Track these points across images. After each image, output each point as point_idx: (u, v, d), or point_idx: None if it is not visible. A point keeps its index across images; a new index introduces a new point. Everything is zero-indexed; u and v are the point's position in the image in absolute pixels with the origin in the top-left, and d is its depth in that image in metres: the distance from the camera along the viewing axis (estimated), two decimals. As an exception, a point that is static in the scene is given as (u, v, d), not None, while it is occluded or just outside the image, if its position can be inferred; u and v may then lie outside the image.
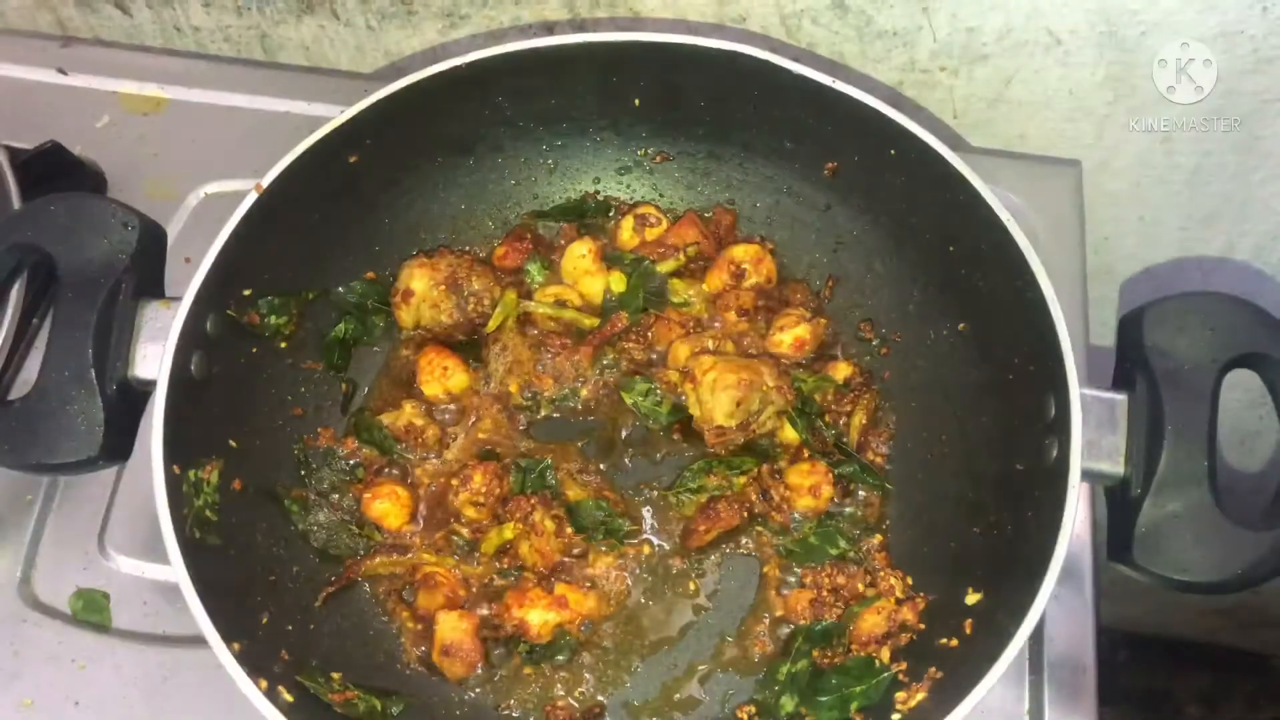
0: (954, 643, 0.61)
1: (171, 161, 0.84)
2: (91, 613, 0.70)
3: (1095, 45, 0.79)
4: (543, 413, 0.74)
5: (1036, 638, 0.69)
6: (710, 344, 0.72)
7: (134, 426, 0.63)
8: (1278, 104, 0.80)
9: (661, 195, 0.79)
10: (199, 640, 0.64)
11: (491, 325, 0.73)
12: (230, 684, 0.55)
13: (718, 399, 0.67)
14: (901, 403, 0.73)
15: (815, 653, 0.65)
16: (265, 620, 0.62)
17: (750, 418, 0.68)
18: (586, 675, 0.67)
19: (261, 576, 0.65)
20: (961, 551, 0.66)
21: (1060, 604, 0.70)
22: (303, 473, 0.71)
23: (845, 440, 0.71)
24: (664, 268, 0.75)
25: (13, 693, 0.67)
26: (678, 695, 0.66)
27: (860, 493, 0.70)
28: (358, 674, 0.63)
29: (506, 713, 0.66)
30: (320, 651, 0.63)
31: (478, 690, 0.66)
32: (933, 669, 0.60)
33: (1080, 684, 0.68)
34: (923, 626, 0.64)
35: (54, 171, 0.80)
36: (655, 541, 0.70)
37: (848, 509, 0.70)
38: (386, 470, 0.71)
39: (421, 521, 0.70)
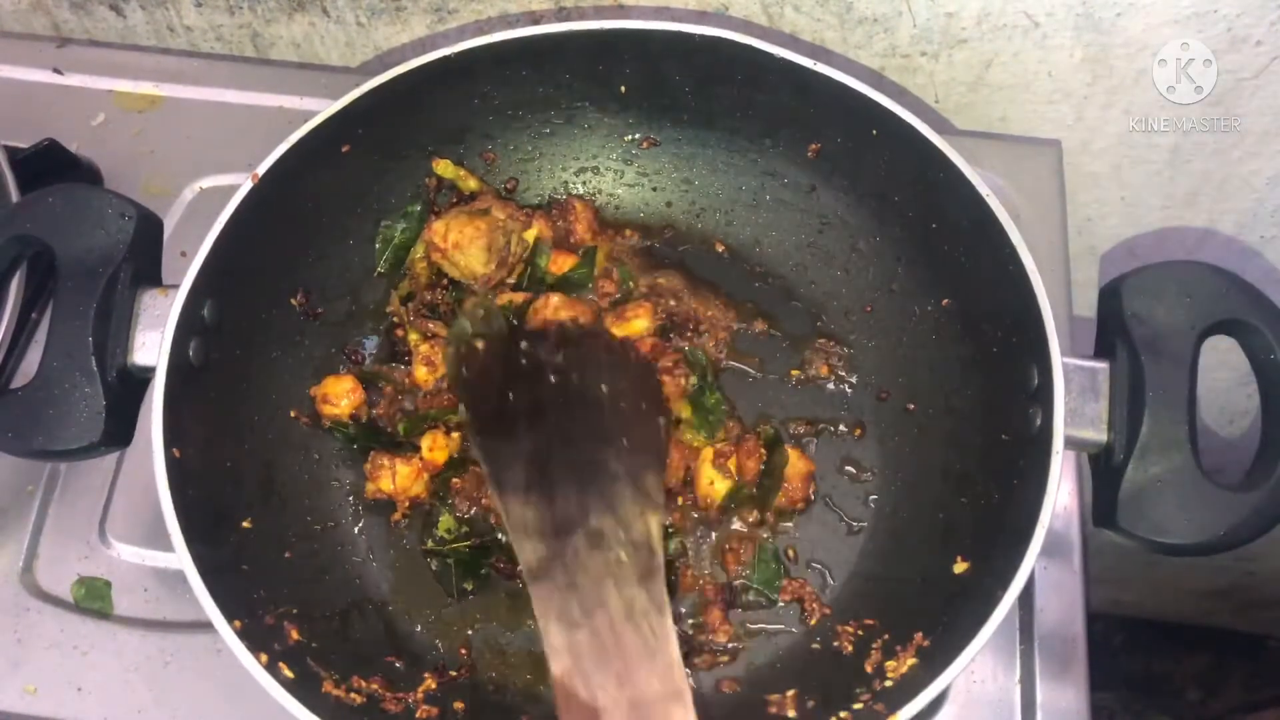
0: (943, 610, 0.62)
1: (167, 157, 0.86)
2: (93, 600, 0.71)
3: (1072, 27, 0.80)
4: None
5: (1027, 610, 0.70)
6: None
7: (134, 412, 0.64)
8: (1253, 82, 0.82)
9: (648, 179, 0.80)
10: (199, 625, 0.66)
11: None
12: (230, 667, 0.56)
13: (469, 255, 0.72)
14: (888, 378, 0.74)
15: None
16: (264, 597, 0.63)
17: (505, 254, 0.73)
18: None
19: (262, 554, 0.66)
20: (950, 522, 0.67)
21: (1049, 576, 0.71)
22: (302, 456, 0.72)
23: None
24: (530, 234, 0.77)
25: (17, 680, 0.68)
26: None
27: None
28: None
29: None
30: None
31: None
32: (919, 635, 0.61)
33: (1071, 654, 0.69)
34: (829, 610, 0.67)
35: (52, 169, 0.81)
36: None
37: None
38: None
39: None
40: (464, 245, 0.73)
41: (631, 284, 0.77)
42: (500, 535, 0.69)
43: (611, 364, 0.67)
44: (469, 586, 0.69)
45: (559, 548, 0.56)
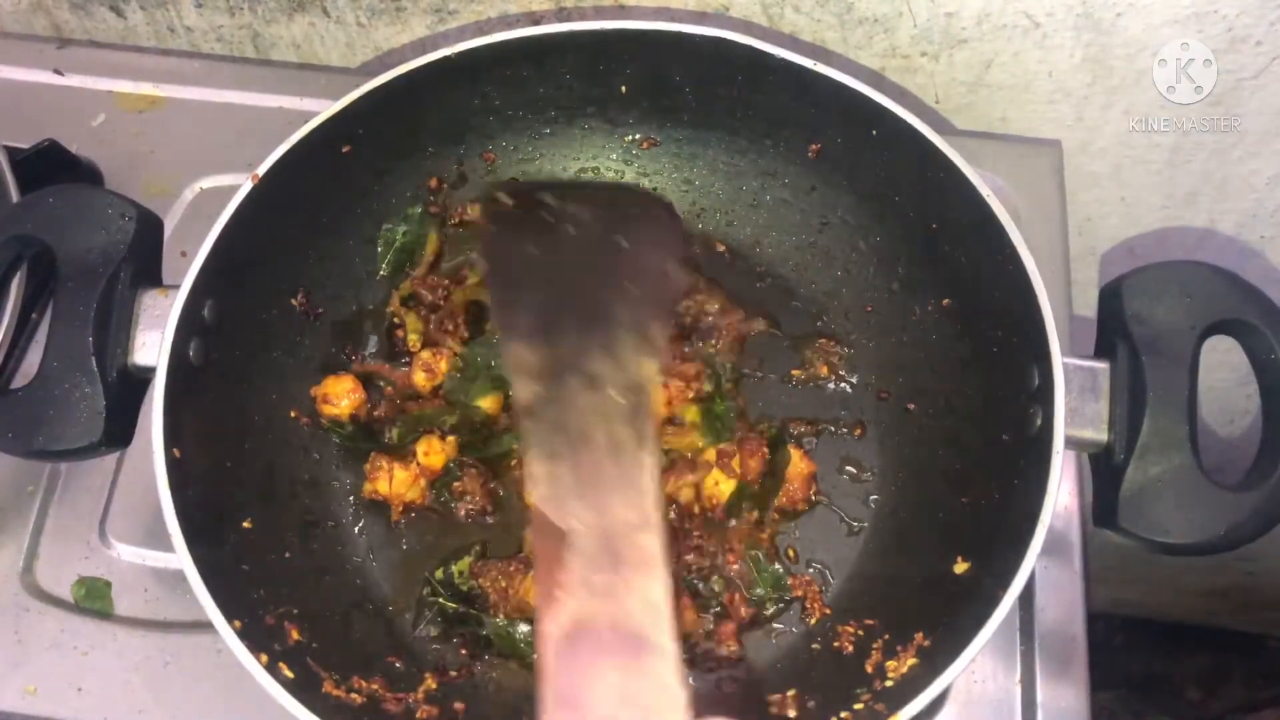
0: (943, 611, 0.62)
1: (167, 158, 0.86)
2: (93, 600, 0.71)
3: (1072, 28, 0.80)
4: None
5: (1027, 609, 0.70)
6: None
7: (134, 413, 0.64)
8: (1253, 82, 0.82)
9: (649, 179, 0.80)
10: (199, 625, 0.66)
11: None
12: (230, 667, 0.56)
13: None
14: (888, 378, 0.74)
15: None
16: (264, 598, 0.63)
17: None
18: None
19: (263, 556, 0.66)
20: (950, 522, 0.67)
21: (1050, 576, 0.71)
22: (302, 456, 0.71)
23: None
24: None
25: (17, 680, 0.68)
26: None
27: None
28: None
29: None
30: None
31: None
32: (920, 635, 0.61)
33: (1071, 654, 0.69)
34: (829, 611, 0.67)
35: (52, 169, 0.81)
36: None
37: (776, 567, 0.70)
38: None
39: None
40: None
41: None
42: (484, 632, 0.67)
43: (634, 216, 0.67)
44: (432, 633, 0.68)
45: (554, 389, 0.56)
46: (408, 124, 0.73)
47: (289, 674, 0.57)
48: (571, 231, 0.64)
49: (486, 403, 0.73)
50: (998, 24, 0.81)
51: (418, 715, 0.62)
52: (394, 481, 0.69)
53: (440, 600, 0.68)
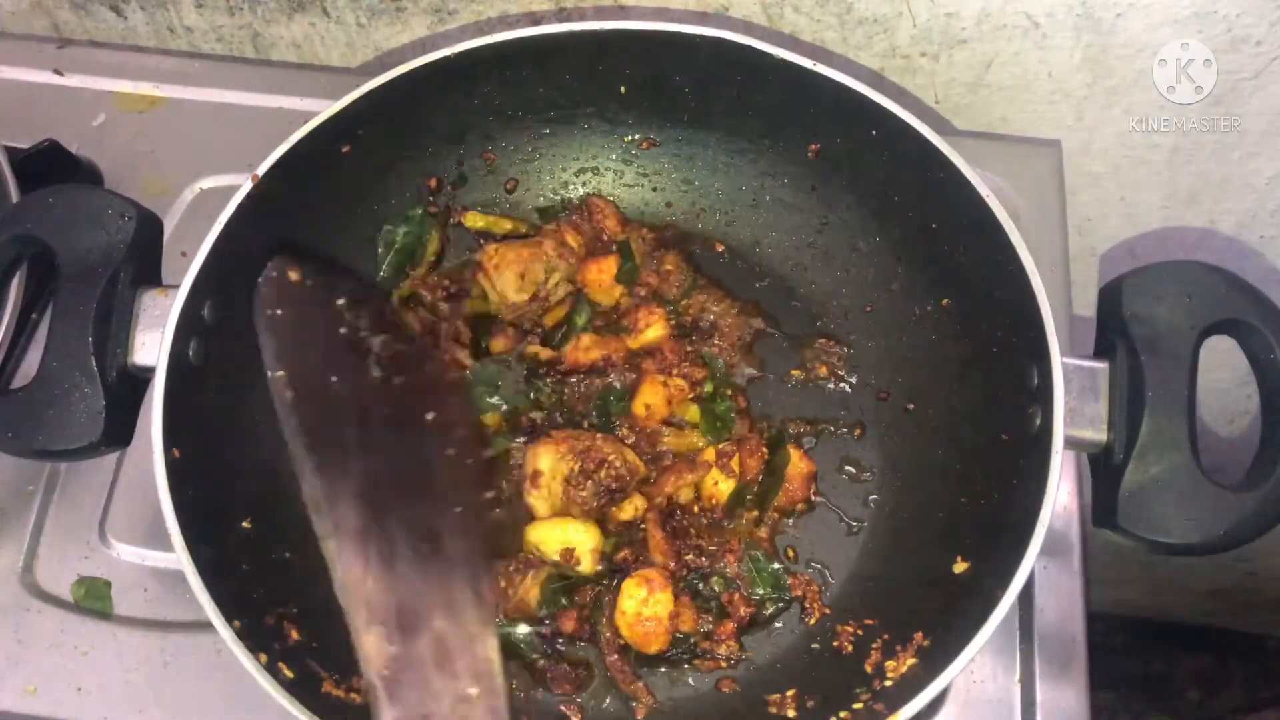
0: (943, 611, 0.62)
1: (167, 158, 0.86)
2: (93, 600, 0.71)
3: (1072, 28, 0.80)
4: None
5: (1026, 609, 0.70)
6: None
7: (134, 412, 0.64)
8: (1252, 82, 0.82)
9: (648, 179, 0.80)
10: (199, 625, 0.66)
11: None
12: (230, 667, 0.56)
13: (504, 279, 0.71)
14: (888, 378, 0.74)
15: None
16: (264, 598, 0.63)
17: (539, 288, 0.72)
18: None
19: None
20: (949, 521, 0.67)
21: (1049, 576, 0.71)
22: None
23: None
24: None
25: (17, 680, 0.68)
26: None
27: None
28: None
29: None
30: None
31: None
32: (919, 635, 0.61)
33: (1070, 653, 0.69)
34: (829, 611, 0.67)
35: (52, 169, 0.81)
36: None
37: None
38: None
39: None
40: (502, 268, 0.72)
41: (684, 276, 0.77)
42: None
43: (434, 385, 0.55)
44: None
45: (406, 653, 0.42)
46: (408, 124, 0.74)
47: (289, 674, 0.57)
48: (376, 372, 0.52)
49: (485, 419, 0.73)
50: (998, 24, 0.81)
51: None
52: None
53: None
